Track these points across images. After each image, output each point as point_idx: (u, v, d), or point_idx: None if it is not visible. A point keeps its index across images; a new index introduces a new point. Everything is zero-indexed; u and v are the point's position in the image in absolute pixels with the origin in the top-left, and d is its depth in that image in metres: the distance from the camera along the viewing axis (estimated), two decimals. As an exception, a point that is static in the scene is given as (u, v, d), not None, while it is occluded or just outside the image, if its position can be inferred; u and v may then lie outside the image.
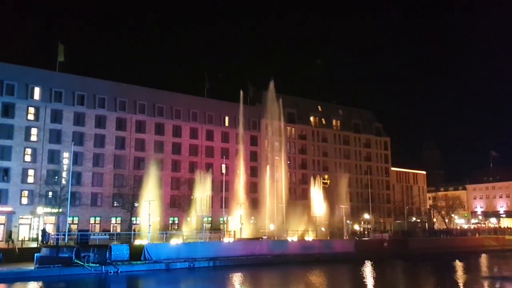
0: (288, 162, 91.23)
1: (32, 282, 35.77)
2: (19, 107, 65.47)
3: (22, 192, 64.24)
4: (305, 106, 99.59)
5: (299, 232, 62.00)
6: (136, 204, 61.51)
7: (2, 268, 38.24)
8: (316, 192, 69.63)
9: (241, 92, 71.73)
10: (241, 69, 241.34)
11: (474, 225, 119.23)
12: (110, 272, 40.28)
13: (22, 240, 55.32)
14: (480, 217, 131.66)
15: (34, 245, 51.69)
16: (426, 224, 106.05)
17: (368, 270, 47.69)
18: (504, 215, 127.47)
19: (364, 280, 41.06)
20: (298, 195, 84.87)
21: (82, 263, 40.16)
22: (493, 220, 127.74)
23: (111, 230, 64.97)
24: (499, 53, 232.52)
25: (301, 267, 47.98)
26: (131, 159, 72.98)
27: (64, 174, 63.57)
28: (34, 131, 66.12)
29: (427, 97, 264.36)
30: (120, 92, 74.87)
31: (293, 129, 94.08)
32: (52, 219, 64.32)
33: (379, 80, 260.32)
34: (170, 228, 68.28)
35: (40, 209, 63.34)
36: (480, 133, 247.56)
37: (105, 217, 69.74)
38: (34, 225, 63.59)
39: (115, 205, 70.37)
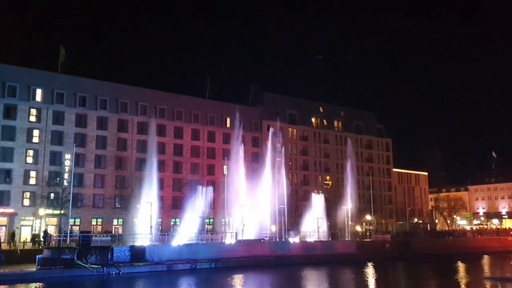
0: (290, 163, 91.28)
1: (34, 283, 35.76)
2: (21, 109, 65.59)
3: (24, 194, 64.36)
4: (306, 107, 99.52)
5: (300, 233, 61.80)
6: (137, 206, 61.52)
7: (4, 270, 38.26)
8: (318, 193, 69.44)
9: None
10: (242, 70, 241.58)
11: (476, 226, 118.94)
12: (112, 274, 40.29)
13: (24, 242, 55.33)
14: (482, 218, 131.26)
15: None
16: (428, 225, 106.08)
17: (370, 272, 47.62)
18: (506, 216, 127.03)
19: (366, 281, 41.02)
20: (299, 196, 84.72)
21: (84, 265, 40.20)
22: (495, 221, 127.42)
23: (113, 232, 65.07)
24: (501, 53, 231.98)
25: (303, 268, 47.90)
26: (133, 160, 72.99)
27: (66, 176, 63.50)
28: (36, 132, 66.24)
29: (429, 98, 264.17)
30: (122, 94, 74.97)
31: (294, 130, 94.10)
32: (54, 220, 64.46)
33: (381, 81, 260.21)
34: (171, 229, 68.26)
35: (42, 211, 63.44)
36: (482, 134, 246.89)
37: (107, 219, 69.84)
38: (36, 226, 63.64)
39: (117, 206, 70.57)
